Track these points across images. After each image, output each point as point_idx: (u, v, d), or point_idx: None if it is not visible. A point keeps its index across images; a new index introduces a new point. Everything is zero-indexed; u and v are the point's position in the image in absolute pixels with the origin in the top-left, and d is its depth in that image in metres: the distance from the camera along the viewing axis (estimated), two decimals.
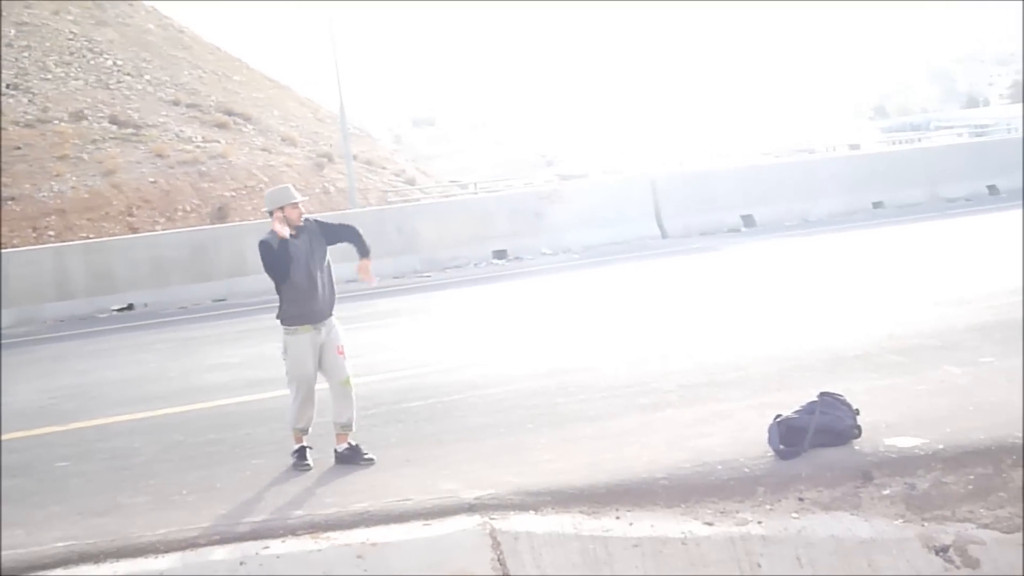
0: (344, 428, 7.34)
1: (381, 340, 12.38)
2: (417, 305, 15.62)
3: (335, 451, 7.34)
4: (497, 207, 22.48)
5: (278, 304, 7.38)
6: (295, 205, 7.33)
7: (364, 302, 15.76)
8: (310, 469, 7.24)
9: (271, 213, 7.35)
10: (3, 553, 5.99)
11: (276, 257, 7.21)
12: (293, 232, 7.31)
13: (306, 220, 7.47)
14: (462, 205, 25.69)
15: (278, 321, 7.38)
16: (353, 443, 7.34)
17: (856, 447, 6.45)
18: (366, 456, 7.26)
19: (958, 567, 5.41)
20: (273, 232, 7.26)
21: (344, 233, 7.56)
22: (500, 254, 20.49)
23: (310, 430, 7.48)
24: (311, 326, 7.29)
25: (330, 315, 7.42)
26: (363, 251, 7.53)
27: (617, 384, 8.85)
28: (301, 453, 7.39)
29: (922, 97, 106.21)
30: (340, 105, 32.76)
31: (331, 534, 5.86)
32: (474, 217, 21.45)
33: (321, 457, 7.38)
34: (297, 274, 7.24)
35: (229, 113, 36.17)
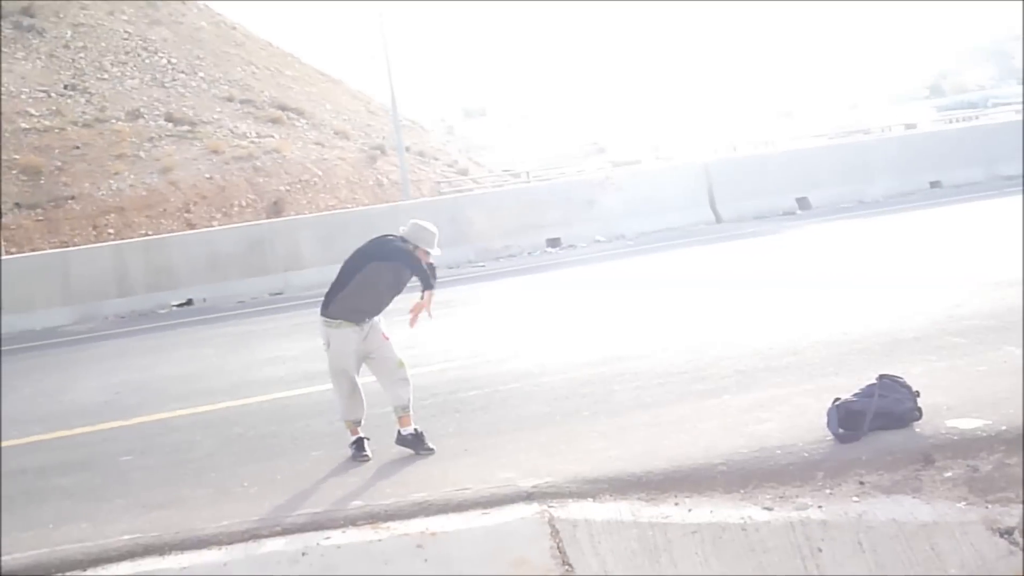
0: (403, 410, 7.35)
1: (435, 331, 12.37)
2: (471, 295, 15.61)
3: (399, 433, 7.37)
4: (549, 195, 22.47)
5: (326, 295, 7.40)
6: (427, 253, 7.47)
7: (417, 293, 15.80)
8: (368, 460, 7.27)
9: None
10: (71, 546, 6.08)
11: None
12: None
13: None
14: (515, 194, 25.66)
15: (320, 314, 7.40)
16: (419, 429, 7.36)
17: (916, 430, 6.37)
18: (427, 446, 7.28)
19: (1022, 548, 5.31)
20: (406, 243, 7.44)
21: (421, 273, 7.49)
22: (553, 242, 20.50)
23: (363, 421, 7.51)
24: (355, 324, 7.31)
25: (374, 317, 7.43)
26: (428, 285, 7.44)
27: (672, 371, 8.81)
28: (359, 444, 7.42)
29: (979, 75, 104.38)
30: (391, 97, 32.93)
31: (391, 524, 5.90)
32: (527, 206, 21.45)
33: (379, 448, 7.40)
34: (373, 281, 7.32)
35: (282, 108, 36.45)
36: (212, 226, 27.00)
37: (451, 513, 5.98)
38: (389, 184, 32.94)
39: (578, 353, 10.11)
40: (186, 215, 29.37)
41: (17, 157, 30.17)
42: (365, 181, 32.69)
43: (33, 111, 32.39)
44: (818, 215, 20.64)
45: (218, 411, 9.49)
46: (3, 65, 33.72)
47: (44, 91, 33.56)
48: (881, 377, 6.61)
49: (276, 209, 29.88)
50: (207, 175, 30.78)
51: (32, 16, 36.89)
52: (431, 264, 7.53)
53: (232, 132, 33.72)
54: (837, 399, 6.52)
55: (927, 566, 5.35)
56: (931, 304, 10.26)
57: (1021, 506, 5.44)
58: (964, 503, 5.53)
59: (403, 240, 7.45)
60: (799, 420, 6.76)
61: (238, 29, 44.59)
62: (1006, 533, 5.37)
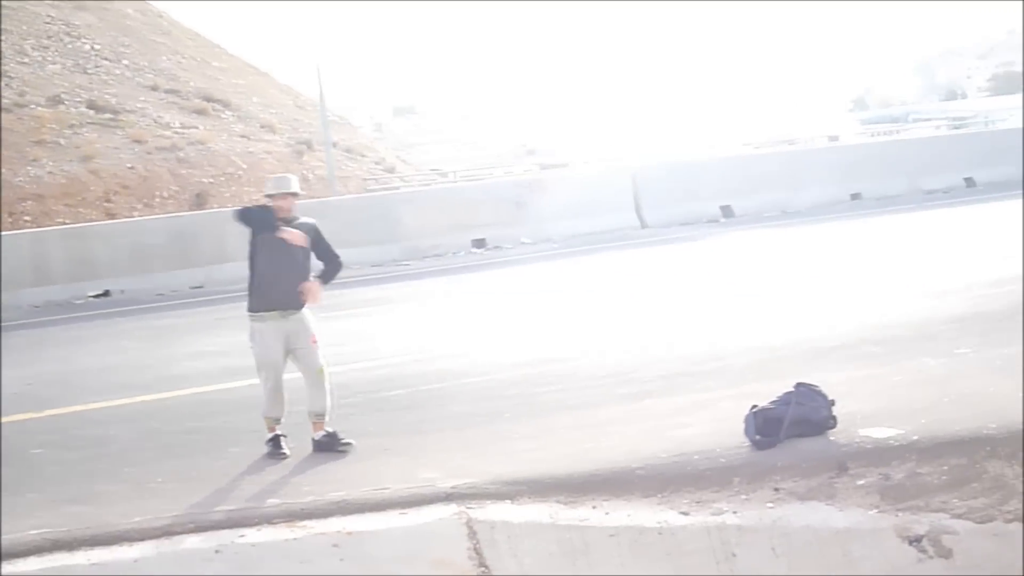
0: (318, 416, 7.33)
1: (360, 328, 12.38)
2: (397, 294, 15.64)
3: (312, 439, 7.33)
4: (478, 196, 22.53)
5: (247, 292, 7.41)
6: (290, 196, 7.41)
7: (344, 290, 15.71)
8: (286, 457, 7.22)
9: (269, 197, 7.41)
10: None
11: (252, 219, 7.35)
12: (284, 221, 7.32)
13: (304, 219, 7.50)
14: (443, 194, 25.70)
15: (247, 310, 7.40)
16: (330, 430, 7.32)
17: (832, 437, 6.50)
18: (343, 442, 7.25)
19: (931, 557, 5.44)
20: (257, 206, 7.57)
21: (329, 258, 7.56)
22: (480, 243, 20.50)
23: (283, 419, 7.45)
24: (278, 313, 7.27)
25: (301, 306, 7.36)
26: (326, 279, 7.48)
27: (597, 374, 8.89)
28: (275, 442, 7.37)
29: (902, 90, 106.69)
30: (320, 92, 32.72)
31: (308, 523, 5.87)
32: (455, 206, 21.45)
33: (298, 446, 7.36)
34: (272, 263, 7.27)
35: (208, 99, 35.95)
36: (133, 216, 26.55)
37: (369, 513, 5.96)
38: (315, 180, 32.65)
39: (504, 354, 10.15)
40: (106, 204, 28.85)
41: None
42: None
43: None
44: (742, 223, 20.92)
45: (136, 405, 9.36)
46: None
47: None
48: (799, 385, 6.74)
49: (199, 201, 29.47)
50: (129, 165, 30.27)
51: None
52: (301, 222, 7.45)
53: (156, 122, 33.20)
54: (755, 406, 6.62)
55: (840, 572, 5.46)
56: (851, 314, 10.47)
57: (930, 515, 5.57)
58: (876, 510, 5.65)
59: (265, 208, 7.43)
60: (720, 426, 6.86)
61: (164, 17, 43.93)
62: (916, 540, 5.50)
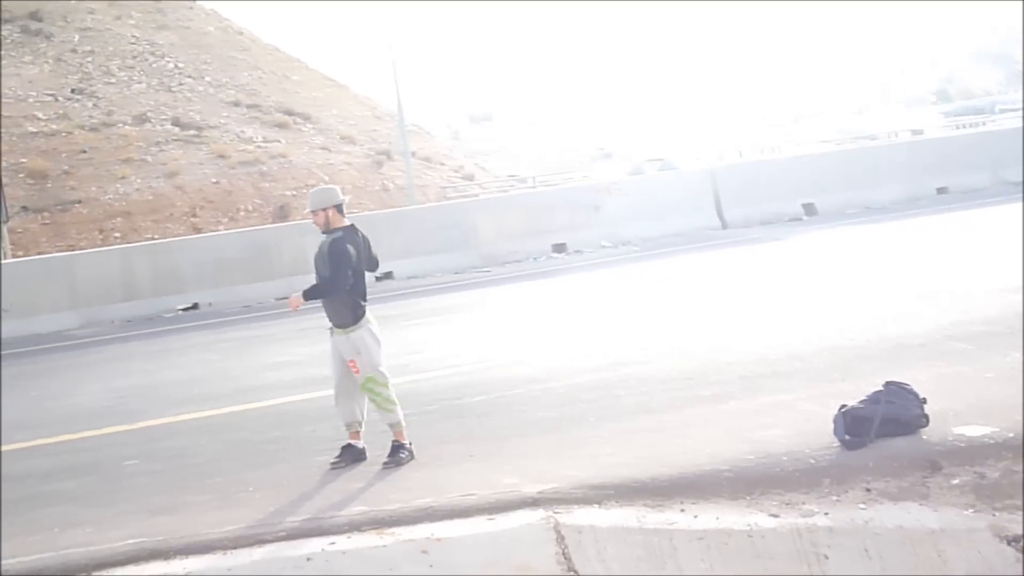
0: (348, 426, 7.47)
1: (440, 336, 12.41)
2: (476, 300, 15.61)
3: (351, 445, 7.47)
4: (555, 201, 22.46)
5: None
6: (321, 212, 7.35)
7: (423, 298, 15.86)
8: (340, 466, 7.28)
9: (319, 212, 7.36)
10: (74, 551, 6.06)
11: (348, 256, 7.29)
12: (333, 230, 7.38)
13: (337, 232, 7.39)
14: (520, 199, 25.74)
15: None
16: (358, 444, 7.44)
17: (923, 436, 6.36)
18: (362, 457, 7.36)
19: None
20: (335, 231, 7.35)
21: (327, 274, 7.34)
22: (559, 247, 20.48)
23: (362, 427, 7.48)
24: (333, 328, 7.39)
25: (349, 323, 7.31)
26: (308, 294, 7.27)
27: (678, 376, 8.79)
28: (345, 450, 7.43)
29: (985, 79, 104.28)
30: (398, 102, 33.03)
31: (395, 529, 5.86)
32: (532, 211, 21.47)
33: (383, 454, 7.34)
34: (317, 271, 7.38)
35: (289, 113, 36.54)
36: (218, 231, 27.00)
37: (456, 519, 5.95)
38: (395, 189, 32.98)
39: (584, 358, 10.09)
40: (192, 219, 29.43)
41: (24, 161, 30.28)
42: (371, 186, 32.72)
43: (40, 115, 32.50)
44: (824, 221, 20.60)
45: (223, 416, 9.49)
46: (11, 69, 33.83)
47: (51, 95, 33.68)
48: (888, 383, 6.59)
49: (282, 214, 29.93)
50: (213, 179, 30.87)
51: (40, 20, 37.04)
52: (350, 228, 7.40)
53: (238, 137, 33.80)
54: (843, 405, 6.50)
55: (935, 573, 5.32)
56: (938, 310, 10.24)
57: None
58: (971, 510, 5.51)
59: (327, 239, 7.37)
60: (805, 426, 6.75)
61: (245, 34, 44.71)
62: (1013, 540, 5.35)
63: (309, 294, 7.25)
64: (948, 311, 10.09)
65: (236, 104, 36.28)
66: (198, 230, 27.97)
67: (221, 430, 8.91)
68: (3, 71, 33.69)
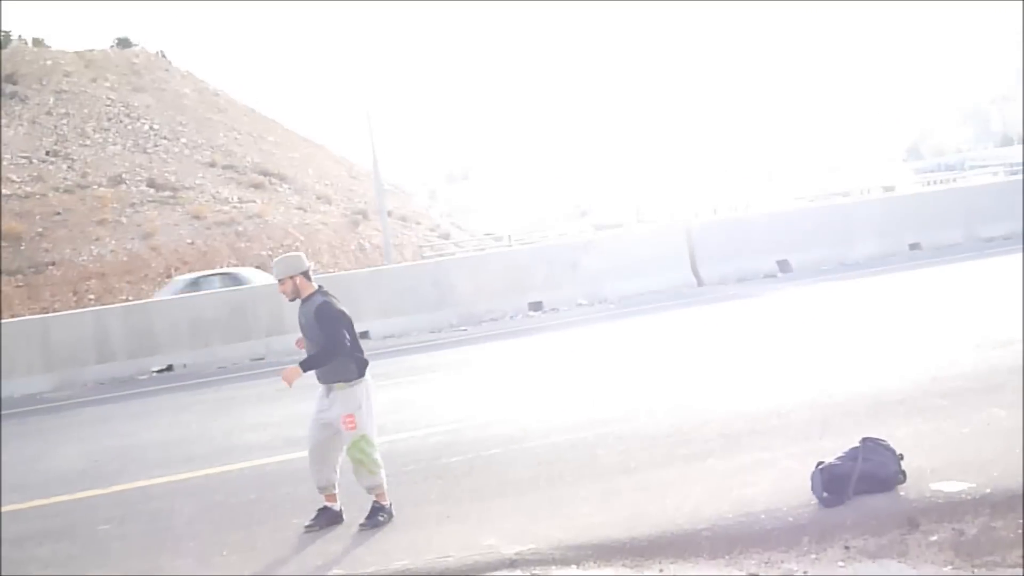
0: (334, 487, 7.47)
1: (417, 396, 12.39)
2: (454, 359, 15.58)
3: (328, 508, 7.47)
4: (532, 259, 22.49)
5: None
6: (288, 280, 7.43)
7: (401, 358, 15.81)
8: (314, 529, 7.24)
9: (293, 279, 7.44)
10: None
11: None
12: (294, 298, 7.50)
13: (315, 297, 7.45)
14: (497, 258, 25.75)
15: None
16: (333, 507, 7.42)
17: (901, 493, 6.38)
18: (337, 519, 7.35)
19: None
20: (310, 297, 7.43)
21: (325, 341, 7.33)
22: (536, 306, 20.47)
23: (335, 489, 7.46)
24: (345, 384, 7.31)
25: (339, 380, 7.31)
26: (306, 365, 7.32)
27: (657, 434, 8.79)
28: (320, 512, 7.40)
29: (956, 137, 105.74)
30: (374, 161, 33.11)
31: None
32: (509, 269, 21.44)
33: (361, 516, 7.33)
34: (304, 335, 7.44)
35: (264, 173, 36.69)
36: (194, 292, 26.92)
37: None
38: (371, 248, 33.05)
39: (562, 417, 10.07)
40: (167, 280, 29.34)
41: None
42: (347, 245, 32.77)
43: (15, 177, 32.49)
44: (799, 277, 20.73)
45: (199, 478, 9.43)
46: None
47: (26, 157, 33.71)
48: (865, 440, 6.62)
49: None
50: (189, 240, 30.85)
51: (15, 83, 37.16)
52: (322, 291, 7.51)
53: (214, 197, 33.87)
54: (821, 463, 6.51)
55: None
56: (915, 366, 10.30)
57: (1007, 570, 5.39)
58: (950, 567, 5.50)
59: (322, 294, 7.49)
60: (784, 484, 6.76)
61: (221, 96, 44.92)
62: None
63: (308, 365, 7.25)
64: (926, 367, 10.15)
65: (212, 165, 36.39)
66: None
67: (197, 492, 8.86)
68: None
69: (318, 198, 36.35)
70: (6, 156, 33.33)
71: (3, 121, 35.13)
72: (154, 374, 17.86)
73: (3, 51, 39.49)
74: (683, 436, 8.60)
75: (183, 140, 37.48)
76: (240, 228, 31.89)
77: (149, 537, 7.61)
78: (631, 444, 8.59)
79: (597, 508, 6.89)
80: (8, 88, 36.82)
